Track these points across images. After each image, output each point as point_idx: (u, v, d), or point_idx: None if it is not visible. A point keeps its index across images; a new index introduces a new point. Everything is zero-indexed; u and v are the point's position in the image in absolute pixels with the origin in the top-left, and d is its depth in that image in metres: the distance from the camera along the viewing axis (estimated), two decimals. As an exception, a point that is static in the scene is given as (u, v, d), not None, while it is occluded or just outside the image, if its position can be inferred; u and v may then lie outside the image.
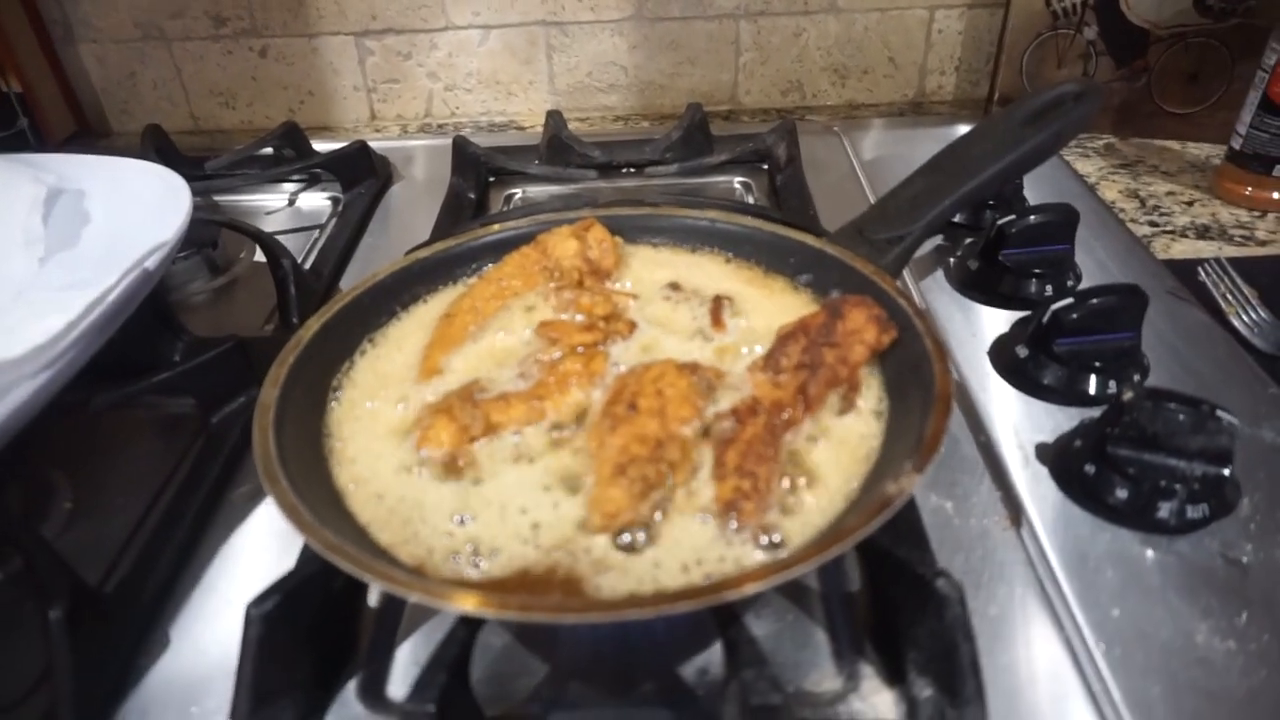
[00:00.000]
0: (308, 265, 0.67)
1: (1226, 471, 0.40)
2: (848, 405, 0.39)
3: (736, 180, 0.79)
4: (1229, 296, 0.54)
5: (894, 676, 0.36)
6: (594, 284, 0.48)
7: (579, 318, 0.45)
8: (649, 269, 0.49)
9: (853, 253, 0.45)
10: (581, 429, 0.39)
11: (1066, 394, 0.48)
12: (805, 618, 0.39)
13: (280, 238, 0.62)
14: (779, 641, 0.38)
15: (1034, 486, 0.43)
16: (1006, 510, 0.43)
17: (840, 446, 0.38)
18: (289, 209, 0.79)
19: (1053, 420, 0.47)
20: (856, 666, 0.37)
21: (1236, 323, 0.52)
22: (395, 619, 0.39)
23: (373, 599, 0.40)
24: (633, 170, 0.78)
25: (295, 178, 0.81)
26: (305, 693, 0.35)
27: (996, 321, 0.54)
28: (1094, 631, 0.37)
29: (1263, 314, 0.52)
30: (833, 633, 0.38)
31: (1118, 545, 0.41)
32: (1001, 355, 0.51)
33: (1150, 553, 0.40)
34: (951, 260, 0.61)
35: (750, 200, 0.76)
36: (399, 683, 0.36)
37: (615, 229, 0.50)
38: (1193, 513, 0.40)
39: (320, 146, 0.84)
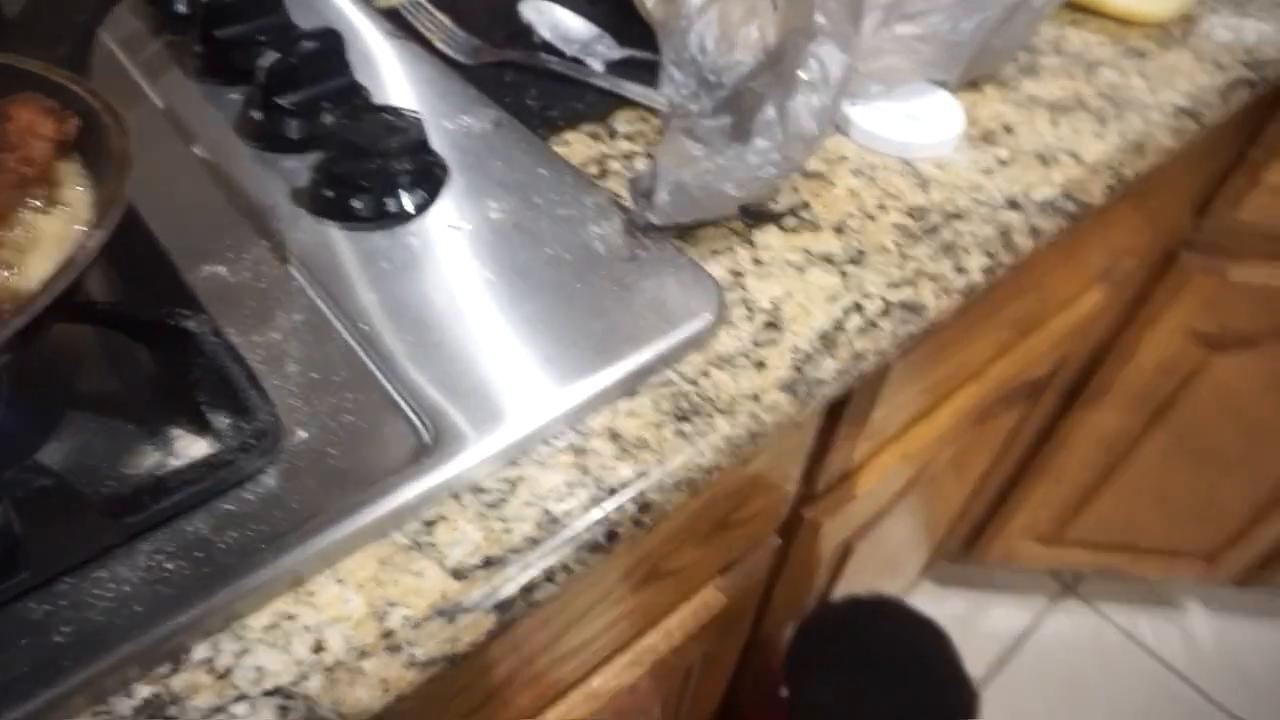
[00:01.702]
0: None
1: (428, 157, 0.48)
2: (50, 203, 0.38)
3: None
4: (429, 26, 0.62)
5: (202, 427, 0.39)
6: None
7: None
8: None
9: (15, 55, 0.42)
10: None
11: (307, 140, 0.52)
12: (109, 418, 0.40)
13: None
14: (89, 449, 0.38)
15: (294, 225, 0.48)
16: (275, 254, 0.46)
17: (53, 245, 0.37)
18: None
19: (303, 164, 0.51)
20: (167, 433, 0.39)
21: (440, 45, 0.61)
22: None
23: None
24: None
25: None
26: None
27: (237, 98, 0.56)
28: (363, 316, 0.44)
29: (457, 32, 0.62)
30: (140, 420, 0.40)
31: (369, 245, 0.47)
32: (244, 125, 0.53)
33: (394, 241, 0.47)
34: (186, 53, 0.59)
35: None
36: None
37: None
38: (416, 199, 0.48)
39: None
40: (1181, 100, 0.65)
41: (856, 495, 0.75)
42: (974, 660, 1.35)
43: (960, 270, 0.51)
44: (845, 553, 0.90)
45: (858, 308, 0.48)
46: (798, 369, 0.45)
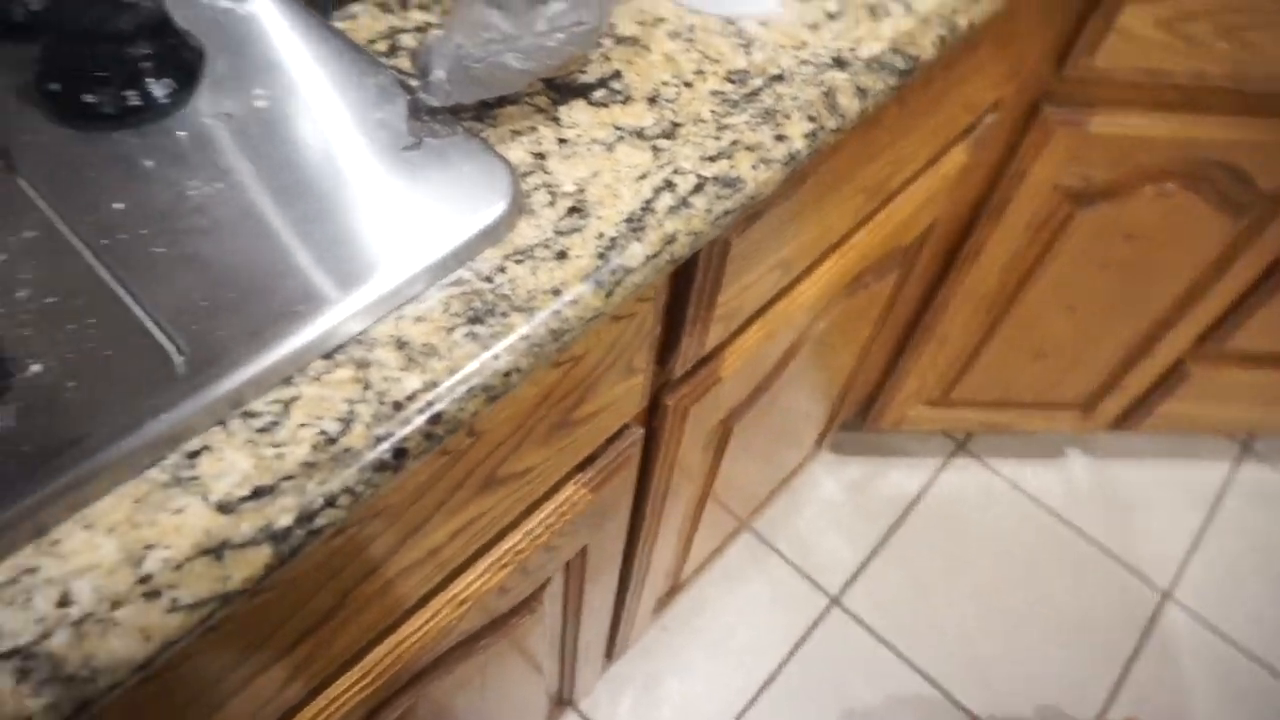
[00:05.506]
0: None
1: (172, 39, 0.42)
2: None
3: None
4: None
5: None
6: None
7: None
8: None
9: None
10: None
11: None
12: None
13: None
14: None
15: (22, 127, 0.42)
16: (2, 163, 0.41)
17: None
18: None
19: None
20: None
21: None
22: None
23: None
24: None
25: None
26: None
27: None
28: (107, 229, 0.39)
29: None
30: None
31: (114, 146, 0.42)
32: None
33: (144, 141, 0.42)
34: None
35: None
36: None
37: None
38: (164, 89, 0.43)
39: None
40: (1022, -59, 0.62)
41: (723, 378, 0.74)
42: (873, 521, 1.41)
43: (781, 138, 0.48)
44: (725, 433, 0.90)
45: (669, 185, 0.45)
46: (602, 256, 0.42)
